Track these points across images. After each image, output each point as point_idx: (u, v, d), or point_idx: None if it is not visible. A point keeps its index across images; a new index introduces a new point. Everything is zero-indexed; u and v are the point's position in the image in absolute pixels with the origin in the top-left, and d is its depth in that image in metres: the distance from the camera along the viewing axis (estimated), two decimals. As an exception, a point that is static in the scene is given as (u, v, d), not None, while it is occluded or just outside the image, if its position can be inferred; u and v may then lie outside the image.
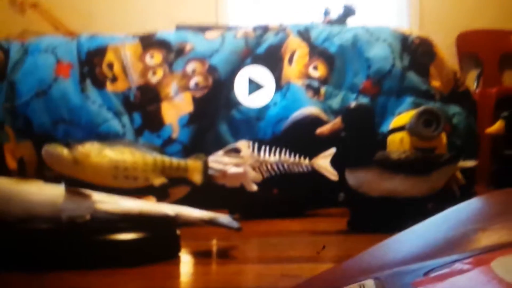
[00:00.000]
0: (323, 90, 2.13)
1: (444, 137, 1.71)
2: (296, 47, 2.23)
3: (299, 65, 2.18)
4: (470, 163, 1.55)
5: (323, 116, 2.02)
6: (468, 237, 0.57)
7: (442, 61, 2.28)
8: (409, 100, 2.12)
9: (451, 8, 3.76)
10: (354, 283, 0.54)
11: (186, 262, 1.10)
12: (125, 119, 2.09)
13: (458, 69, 3.33)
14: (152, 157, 1.46)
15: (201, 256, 1.17)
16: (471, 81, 3.64)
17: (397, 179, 1.38)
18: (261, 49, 2.25)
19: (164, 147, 1.94)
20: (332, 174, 1.63)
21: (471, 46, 3.74)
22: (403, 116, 1.80)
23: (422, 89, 2.16)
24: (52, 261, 0.98)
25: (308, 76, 2.16)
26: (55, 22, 3.37)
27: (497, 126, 2.16)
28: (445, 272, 0.50)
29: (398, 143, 1.69)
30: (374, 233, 1.00)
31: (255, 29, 2.33)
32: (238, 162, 1.59)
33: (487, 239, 0.55)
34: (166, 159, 1.49)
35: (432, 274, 0.51)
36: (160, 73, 2.17)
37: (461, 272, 0.49)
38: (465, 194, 1.48)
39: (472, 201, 0.67)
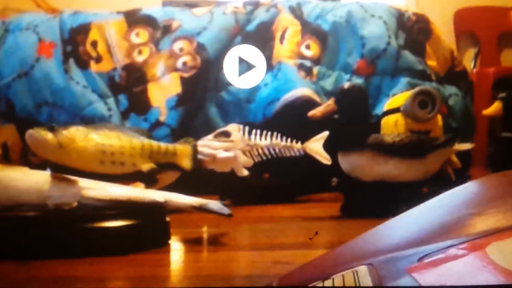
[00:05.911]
0: (315, 70, 2.13)
1: (439, 119, 1.72)
2: (288, 24, 2.21)
3: (291, 44, 2.17)
4: (466, 146, 1.56)
5: (316, 97, 2.01)
6: (463, 222, 0.58)
7: (439, 39, 2.28)
8: (404, 80, 2.11)
9: (448, -17, 3.75)
10: (347, 270, 0.55)
11: (176, 249, 1.11)
12: (111, 101, 2.08)
13: (455, 48, 3.34)
14: (139, 141, 1.46)
15: (192, 243, 1.19)
16: (468, 61, 3.64)
17: (391, 163, 1.39)
18: (251, 26, 2.23)
19: (151, 131, 1.93)
20: (324, 158, 1.64)
21: (468, 23, 3.72)
22: (398, 98, 1.80)
23: (417, 69, 2.16)
24: (38, 249, 0.99)
25: (300, 56, 2.15)
26: (37, -2, 3.34)
27: (495, 107, 2.17)
28: (439, 257, 0.51)
29: (392, 126, 1.70)
30: (368, 218, 1.01)
31: (245, 4, 2.31)
32: (228, 146, 1.60)
33: (483, 223, 0.56)
34: (154, 143, 1.50)
35: (427, 260, 0.51)
36: (146, 52, 2.16)
37: (456, 257, 0.50)
38: (461, 177, 1.49)
39: (468, 185, 0.68)
